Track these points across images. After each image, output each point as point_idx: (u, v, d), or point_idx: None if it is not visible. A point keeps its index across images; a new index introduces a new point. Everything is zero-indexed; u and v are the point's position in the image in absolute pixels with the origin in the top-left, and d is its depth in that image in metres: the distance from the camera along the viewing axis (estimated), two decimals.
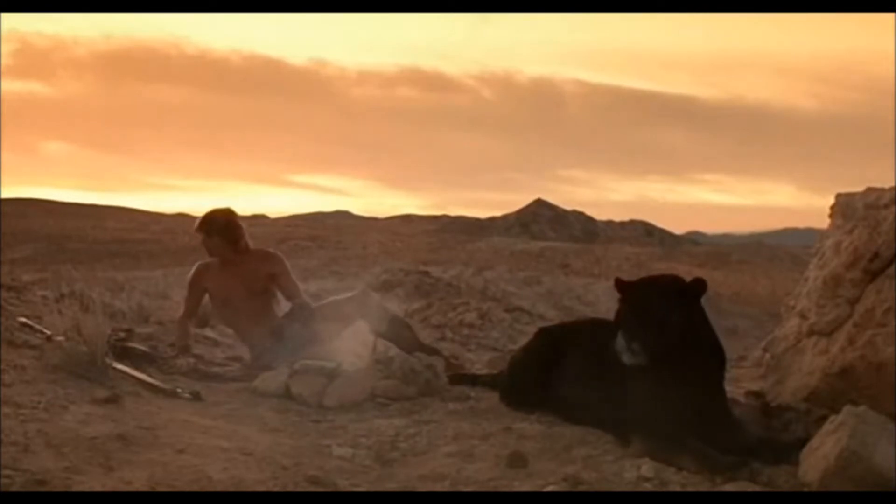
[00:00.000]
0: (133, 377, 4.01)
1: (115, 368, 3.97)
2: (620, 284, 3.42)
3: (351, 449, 3.28)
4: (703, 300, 3.48)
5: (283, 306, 5.10)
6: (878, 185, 3.72)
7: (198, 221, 5.11)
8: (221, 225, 5.05)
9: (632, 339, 3.20)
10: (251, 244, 5.13)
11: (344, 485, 2.85)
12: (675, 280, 3.42)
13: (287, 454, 3.12)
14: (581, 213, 47.92)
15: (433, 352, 4.98)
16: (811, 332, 3.66)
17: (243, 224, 5.12)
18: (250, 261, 5.07)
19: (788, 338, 3.86)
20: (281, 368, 4.33)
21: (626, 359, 3.22)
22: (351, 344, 4.70)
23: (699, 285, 3.35)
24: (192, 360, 4.69)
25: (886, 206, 3.55)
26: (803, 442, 3.04)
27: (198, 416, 3.59)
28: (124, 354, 4.32)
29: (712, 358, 3.38)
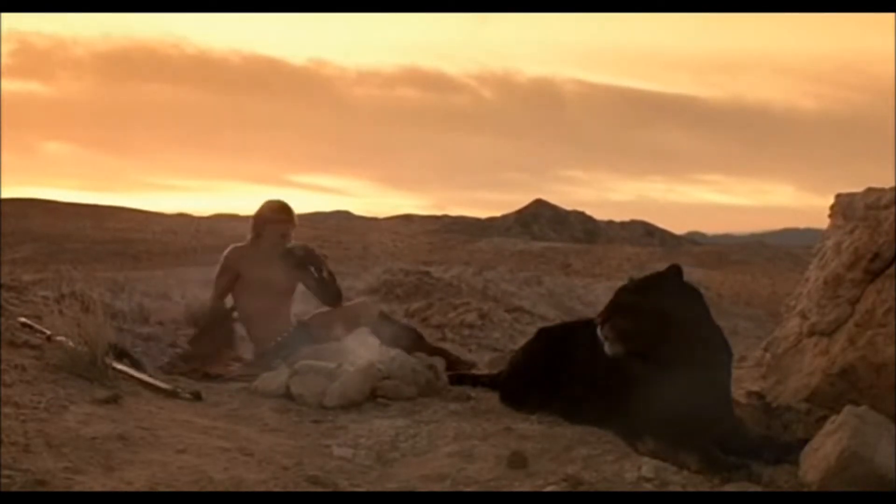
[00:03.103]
0: (133, 377, 4.01)
1: (115, 368, 3.97)
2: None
3: (351, 449, 3.27)
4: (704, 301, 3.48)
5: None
6: (878, 185, 3.72)
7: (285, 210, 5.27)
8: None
9: (603, 323, 3.33)
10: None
11: (344, 485, 2.85)
12: (656, 273, 3.51)
13: (287, 454, 3.12)
14: (581, 214, 47.99)
15: (442, 353, 4.99)
16: (812, 333, 3.66)
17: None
18: (290, 257, 5.21)
19: (789, 338, 3.86)
20: (281, 368, 4.33)
21: (608, 348, 3.33)
22: (355, 347, 4.71)
23: (671, 270, 3.40)
24: (238, 364, 4.84)
25: (887, 207, 3.55)
26: (804, 442, 3.03)
27: (198, 416, 3.58)
28: (124, 354, 4.32)
29: (716, 355, 3.38)
